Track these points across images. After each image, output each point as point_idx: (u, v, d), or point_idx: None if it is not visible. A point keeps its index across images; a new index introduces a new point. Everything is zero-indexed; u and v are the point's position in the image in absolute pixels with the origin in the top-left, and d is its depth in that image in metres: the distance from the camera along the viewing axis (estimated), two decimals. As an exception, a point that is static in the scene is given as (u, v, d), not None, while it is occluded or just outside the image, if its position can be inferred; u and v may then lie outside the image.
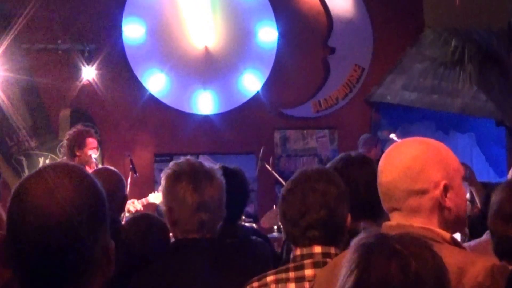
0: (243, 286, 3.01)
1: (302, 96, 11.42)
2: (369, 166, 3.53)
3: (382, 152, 8.47)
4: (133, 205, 8.15)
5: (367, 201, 3.28)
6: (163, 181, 3.40)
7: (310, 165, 10.99)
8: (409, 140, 2.72)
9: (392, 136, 9.55)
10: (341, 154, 3.75)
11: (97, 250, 1.81)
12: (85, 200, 1.78)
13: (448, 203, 2.53)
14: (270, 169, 9.68)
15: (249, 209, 10.62)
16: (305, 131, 11.48)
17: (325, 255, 2.91)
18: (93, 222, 1.80)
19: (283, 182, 9.12)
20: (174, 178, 3.34)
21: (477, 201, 5.98)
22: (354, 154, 3.72)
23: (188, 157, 3.49)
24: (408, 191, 2.52)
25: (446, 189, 2.52)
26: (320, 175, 3.06)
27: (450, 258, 2.37)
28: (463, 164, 6.10)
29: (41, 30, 9.99)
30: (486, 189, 5.70)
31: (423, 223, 2.52)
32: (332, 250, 2.93)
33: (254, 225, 8.50)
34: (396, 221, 2.57)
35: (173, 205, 3.33)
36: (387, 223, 2.61)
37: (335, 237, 2.97)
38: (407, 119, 11.49)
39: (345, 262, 1.91)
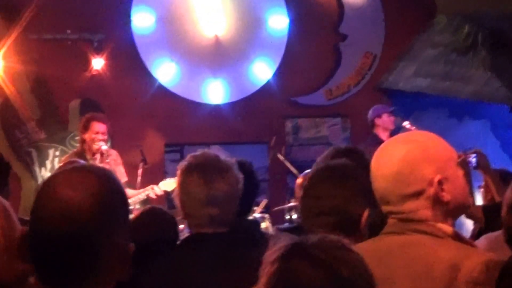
0: (254, 281, 2.97)
1: (313, 84, 11.35)
2: (357, 155, 3.55)
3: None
4: (153, 191, 8.12)
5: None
6: (177, 173, 3.41)
7: (322, 154, 11.01)
8: (392, 141, 2.70)
9: (405, 124, 9.45)
10: (330, 148, 3.79)
11: (115, 247, 1.86)
12: (106, 198, 1.85)
13: (446, 196, 2.49)
14: (282, 158, 9.61)
15: (261, 199, 10.58)
16: (317, 119, 11.41)
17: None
18: (113, 220, 1.86)
19: (295, 171, 9.08)
20: (187, 171, 3.34)
21: (492, 189, 5.88)
22: (343, 146, 3.75)
23: (206, 149, 3.49)
24: (402, 195, 2.50)
25: (441, 183, 2.47)
26: (344, 168, 3.09)
27: (446, 253, 2.37)
28: (477, 151, 6.04)
29: (50, 21, 9.93)
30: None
31: (423, 219, 2.49)
32: None
33: (266, 215, 8.45)
34: (397, 218, 2.55)
35: (184, 198, 3.33)
36: (390, 220, 2.59)
37: (349, 227, 2.94)
38: (420, 106, 11.40)
39: (263, 275, 1.82)
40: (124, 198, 1.95)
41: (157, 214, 4.53)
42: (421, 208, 2.48)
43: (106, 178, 1.90)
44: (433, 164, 2.49)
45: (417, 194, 2.48)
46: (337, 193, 2.96)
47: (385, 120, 9.50)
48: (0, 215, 2.30)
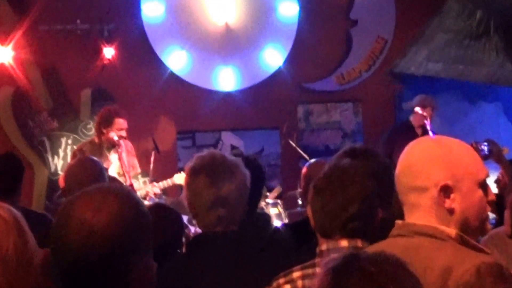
0: (266, 277, 2.98)
1: (325, 70, 11.32)
2: (372, 157, 3.55)
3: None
4: (152, 189, 8.15)
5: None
6: (185, 174, 3.46)
7: (334, 139, 11.06)
8: (425, 137, 2.72)
9: (417, 109, 9.45)
10: (344, 148, 3.79)
11: (139, 269, 1.86)
12: (129, 220, 1.85)
13: (449, 204, 2.49)
14: (294, 145, 9.63)
15: (273, 184, 10.61)
16: (328, 105, 11.40)
17: (351, 249, 2.87)
18: (137, 242, 1.86)
19: (307, 157, 9.09)
20: (194, 172, 3.37)
21: (505, 178, 5.88)
22: (358, 146, 3.74)
23: (212, 149, 3.50)
24: (408, 186, 2.54)
25: (446, 189, 2.48)
26: (355, 168, 3.05)
27: (442, 257, 2.38)
28: (488, 140, 6.01)
29: (60, 11, 9.94)
30: None
31: (425, 221, 2.50)
32: (359, 243, 2.91)
33: (279, 200, 8.48)
34: (401, 221, 2.59)
35: (192, 199, 3.37)
36: (397, 223, 2.62)
37: (369, 230, 2.97)
38: (432, 90, 11.36)
39: (315, 285, 1.83)
40: (146, 217, 1.94)
41: (161, 211, 4.53)
42: (423, 205, 2.51)
43: (128, 198, 1.90)
44: (447, 170, 2.49)
45: (421, 190, 2.50)
46: (362, 197, 2.95)
47: (428, 113, 9.56)
48: (12, 229, 2.28)
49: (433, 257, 2.38)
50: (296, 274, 2.90)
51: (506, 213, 3.46)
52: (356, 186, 2.95)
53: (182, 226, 4.66)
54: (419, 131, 9.54)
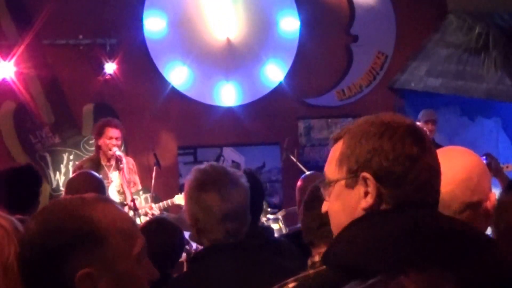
0: (276, 283, 2.99)
1: (325, 85, 11.36)
2: None
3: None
4: (151, 211, 8.14)
5: None
6: (187, 189, 3.32)
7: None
8: (451, 148, 2.67)
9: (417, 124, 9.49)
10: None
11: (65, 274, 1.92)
12: (42, 240, 1.95)
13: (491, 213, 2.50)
14: (295, 160, 9.64)
15: (274, 199, 10.62)
16: (329, 120, 11.43)
17: None
18: (51, 258, 1.93)
19: (307, 172, 9.10)
20: (200, 187, 3.26)
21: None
22: None
23: (212, 162, 3.43)
24: (466, 203, 2.46)
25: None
26: None
27: None
28: (487, 154, 6.04)
29: (62, 26, 9.95)
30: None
31: None
32: None
33: (279, 215, 8.47)
34: None
35: (199, 215, 3.24)
36: None
37: None
38: (432, 105, 11.39)
39: None
40: (68, 233, 1.96)
41: (162, 224, 4.57)
42: (476, 220, 2.45)
43: (50, 216, 1.99)
44: (489, 180, 2.52)
45: (477, 205, 2.46)
46: None
47: (429, 128, 9.67)
48: (13, 237, 2.25)
49: None
50: (291, 285, 2.91)
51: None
52: None
53: (183, 237, 4.69)
54: None
